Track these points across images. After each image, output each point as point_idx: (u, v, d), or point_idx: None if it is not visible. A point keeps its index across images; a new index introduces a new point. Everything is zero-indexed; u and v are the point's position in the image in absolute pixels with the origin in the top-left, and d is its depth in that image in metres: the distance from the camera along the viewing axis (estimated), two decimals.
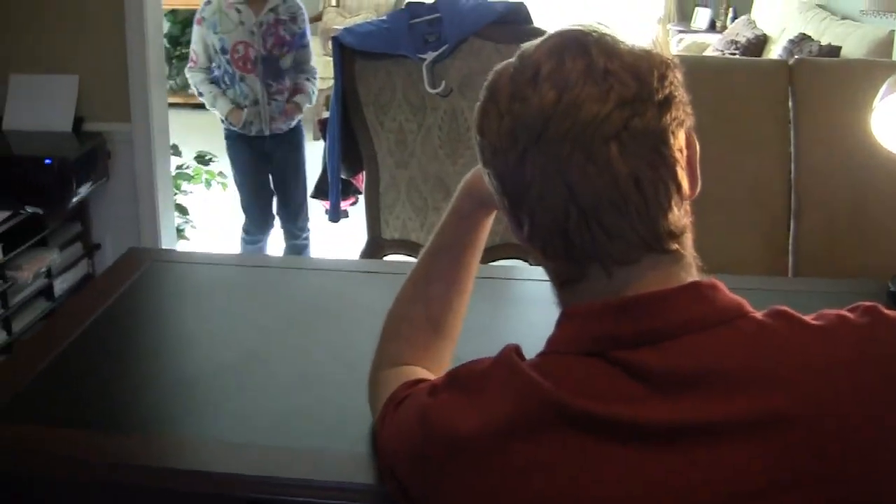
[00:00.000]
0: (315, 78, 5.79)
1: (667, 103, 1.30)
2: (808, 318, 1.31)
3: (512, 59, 1.39)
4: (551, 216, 1.30)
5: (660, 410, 1.23)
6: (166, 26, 9.51)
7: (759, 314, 1.31)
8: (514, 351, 1.40)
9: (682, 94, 1.33)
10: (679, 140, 1.32)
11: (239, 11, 5.43)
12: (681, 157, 1.32)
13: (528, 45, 1.39)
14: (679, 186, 1.32)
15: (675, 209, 1.32)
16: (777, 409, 1.21)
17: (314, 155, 5.65)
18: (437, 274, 1.84)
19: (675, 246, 1.33)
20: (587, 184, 1.27)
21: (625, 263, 1.32)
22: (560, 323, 1.39)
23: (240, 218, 6.11)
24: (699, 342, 1.27)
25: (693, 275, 1.36)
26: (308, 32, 5.67)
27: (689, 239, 1.36)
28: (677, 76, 1.33)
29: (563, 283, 1.39)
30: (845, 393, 1.23)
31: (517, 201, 1.35)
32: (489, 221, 1.83)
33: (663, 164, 1.29)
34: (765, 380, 1.23)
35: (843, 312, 1.33)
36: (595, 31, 1.34)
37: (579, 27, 1.36)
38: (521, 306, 2.58)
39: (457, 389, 1.43)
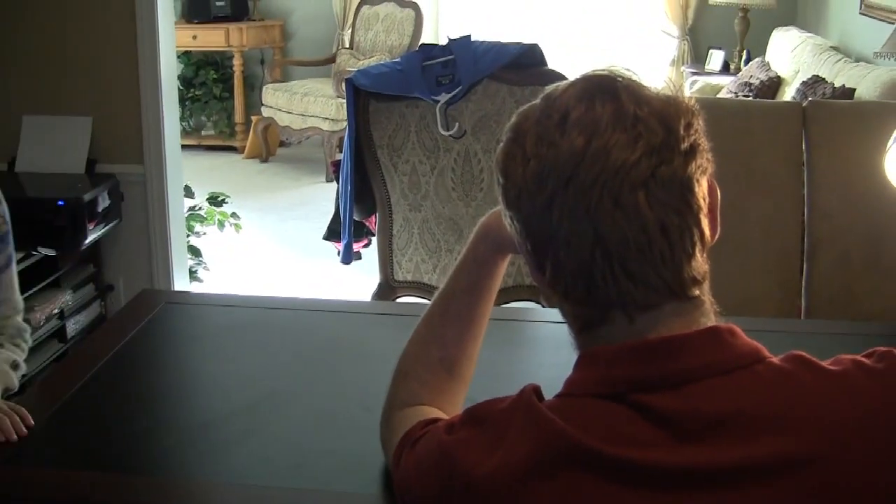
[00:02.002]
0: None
1: (692, 151, 1.30)
2: (824, 363, 1.31)
3: (536, 102, 1.39)
4: (576, 260, 1.30)
5: (678, 455, 1.23)
6: (179, 68, 9.55)
7: (776, 359, 1.32)
8: (533, 391, 1.39)
9: (704, 142, 1.33)
10: (703, 187, 1.32)
11: None
12: (704, 205, 1.32)
13: (553, 87, 1.39)
14: (702, 233, 1.32)
15: (698, 255, 1.32)
16: (795, 453, 1.21)
17: (327, 196, 5.62)
18: (452, 317, 1.84)
19: (696, 292, 1.34)
20: (614, 229, 1.27)
21: (647, 309, 1.32)
22: (579, 365, 1.39)
23: (253, 259, 6.08)
24: (718, 387, 1.27)
25: (712, 319, 1.36)
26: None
27: (707, 284, 1.36)
28: (701, 124, 1.34)
29: (582, 327, 1.39)
30: (862, 436, 1.23)
31: (541, 245, 1.34)
32: (504, 265, 1.84)
33: (689, 212, 1.30)
34: (783, 424, 1.23)
35: (860, 358, 1.33)
36: (622, 76, 1.35)
37: (606, 71, 1.37)
38: (533, 348, 2.58)
39: (475, 427, 1.42)
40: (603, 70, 1.37)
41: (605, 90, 1.32)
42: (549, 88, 1.39)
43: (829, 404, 1.25)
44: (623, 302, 1.31)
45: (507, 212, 1.39)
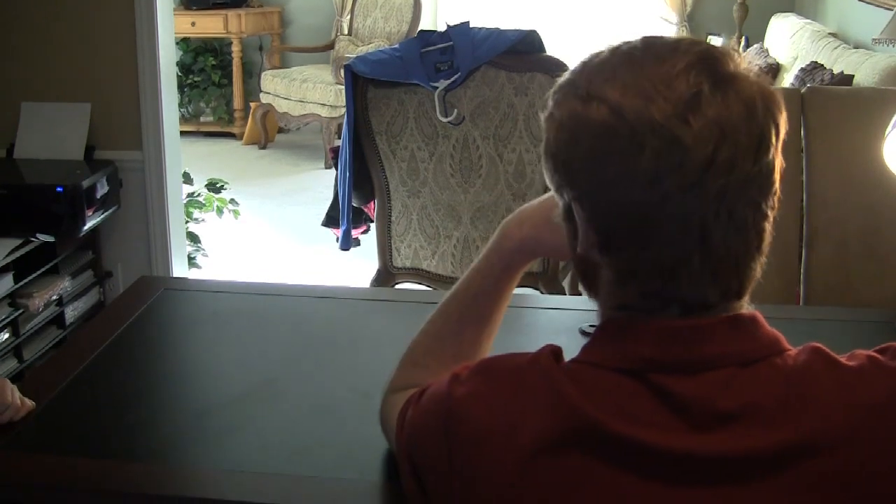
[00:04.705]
0: None
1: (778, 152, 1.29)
2: (841, 357, 1.31)
3: (618, 66, 1.28)
4: (670, 259, 1.27)
5: (691, 441, 1.24)
6: (178, 54, 9.55)
7: (794, 350, 1.32)
8: (552, 353, 1.38)
9: None
10: None
11: None
12: None
13: (657, 55, 1.27)
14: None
15: None
16: (808, 446, 1.22)
17: (326, 183, 5.61)
18: (472, 317, 1.82)
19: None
20: (723, 240, 1.25)
21: (707, 309, 1.30)
22: (603, 333, 1.38)
23: (252, 246, 6.07)
24: (736, 376, 1.27)
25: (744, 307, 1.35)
26: None
27: None
28: None
29: (623, 307, 1.36)
30: (876, 432, 1.24)
31: (629, 234, 1.28)
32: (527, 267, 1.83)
33: (771, 216, 1.31)
34: (798, 417, 1.24)
35: (874, 354, 1.33)
36: (732, 56, 1.28)
37: (711, 45, 1.29)
38: (531, 335, 2.57)
39: (488, 381, 1.40)
40: (707, 43, 1.30)
41: (727, 79, 1.25)
42: (653, 51, 1.28)
43: (843, 399, 1.26)
44: (687, 299, 1.30)
45: (581, 188, 1.31)
